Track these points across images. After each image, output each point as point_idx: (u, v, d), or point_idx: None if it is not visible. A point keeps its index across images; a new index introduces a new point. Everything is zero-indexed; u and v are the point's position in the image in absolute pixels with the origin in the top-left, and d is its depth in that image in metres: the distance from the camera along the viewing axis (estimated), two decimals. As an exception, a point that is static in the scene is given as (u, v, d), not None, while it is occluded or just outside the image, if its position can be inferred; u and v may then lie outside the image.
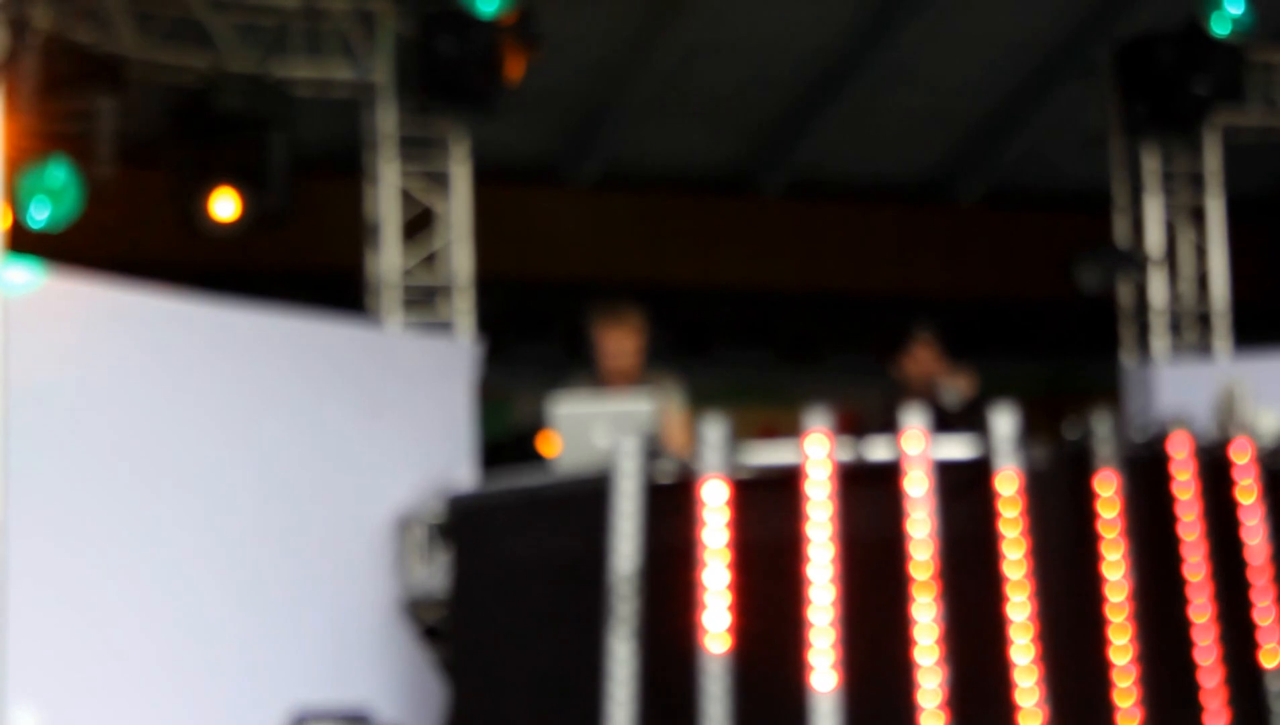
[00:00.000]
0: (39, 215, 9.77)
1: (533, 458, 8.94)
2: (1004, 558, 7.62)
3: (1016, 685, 7.50)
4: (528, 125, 13.00)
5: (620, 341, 9.16)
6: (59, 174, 9.87)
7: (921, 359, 9.58)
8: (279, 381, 9.69)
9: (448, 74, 10.90)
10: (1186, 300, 12.43)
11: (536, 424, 11.93)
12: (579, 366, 9.50)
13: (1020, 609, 7.56)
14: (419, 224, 11.30)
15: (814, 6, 12.71)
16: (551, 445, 8.64)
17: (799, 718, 7.43)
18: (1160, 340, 12.26)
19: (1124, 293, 12.36)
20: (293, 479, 9.58)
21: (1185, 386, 11.28)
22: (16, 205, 9.58)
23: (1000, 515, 7.67)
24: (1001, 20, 12.95)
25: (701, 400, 9.43)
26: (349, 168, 12.05)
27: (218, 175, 10.81)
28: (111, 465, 8.95)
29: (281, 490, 9.52)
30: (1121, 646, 7.57)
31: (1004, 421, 7.79)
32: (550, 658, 8.07)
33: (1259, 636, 7.73)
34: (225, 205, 10.82)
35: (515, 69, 10.89)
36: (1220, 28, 11.71)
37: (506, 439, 14.62)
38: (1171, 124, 12.23)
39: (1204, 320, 12.45)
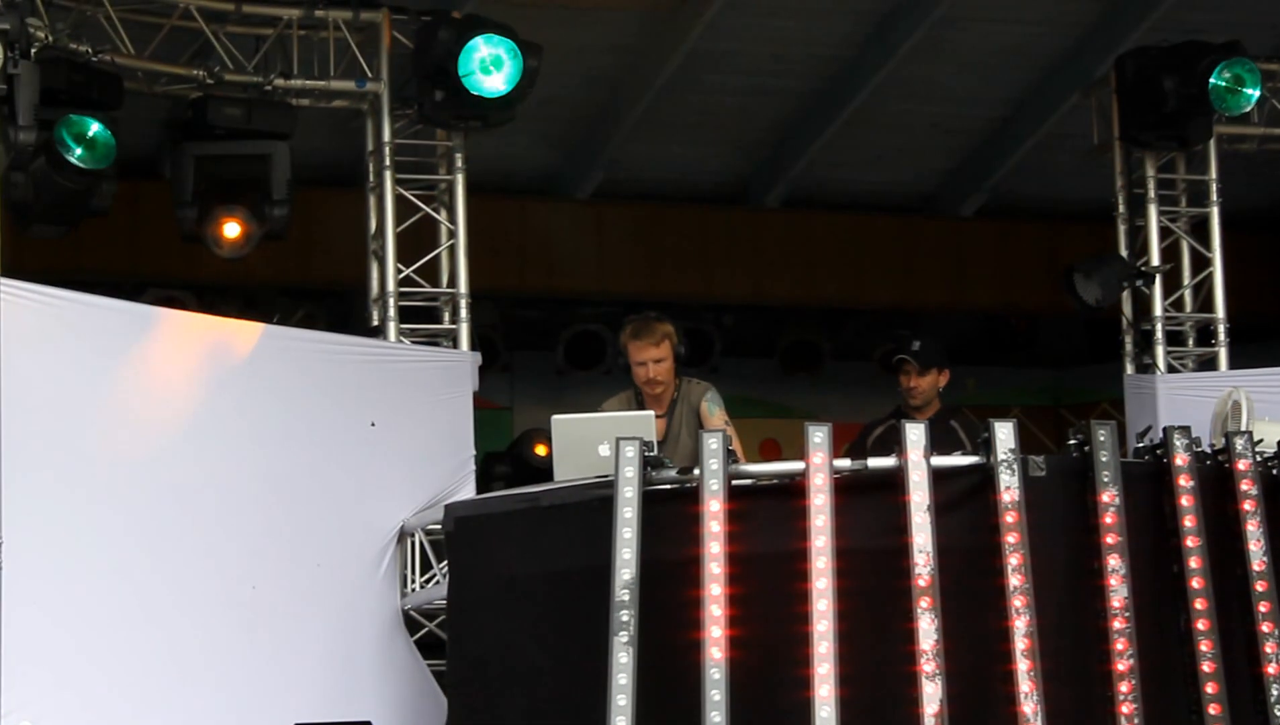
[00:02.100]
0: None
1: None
2: (1004, 567, 7.61)
3: (1016, 695, 7.49)
4: (527, 137, 12.98)
5: (648, 353, 9.28)
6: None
7: (909, 373, 9.65)
8: (278, 394, 9.66)
9: (447, 85, 10.89)
10: (1186, 311, 12.42)
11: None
12: (618, 382, 9.70)
13: (1020, 618, 7.55)
14: (418, 235, 11.29)
15: (813, 19, 12.69)
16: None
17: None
18: (1160, 351, 12.23)
19: (1125, 303, 12.35)
20: (292, 491, 9.55)
21: (1185, 397, 11.28)
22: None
23: (1001, 525, 7.66)
24: (1002, 32, 12.94)
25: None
26: (347, 179, 12.05)
27: (222, 198, 10.86)
28: (110, 479, 8.91)
29: (281, 503, 9.49)
30: (1122, 655, 7.56)
31: (1004, 432, 7.79)
32: (549, 667, 8.06)
33: (1259, 645, 7.72)
34: (232, 227, 10.94)
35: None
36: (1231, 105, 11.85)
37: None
38: (1172, 136, 12.22)
39: (1204, 331, 12.42)
